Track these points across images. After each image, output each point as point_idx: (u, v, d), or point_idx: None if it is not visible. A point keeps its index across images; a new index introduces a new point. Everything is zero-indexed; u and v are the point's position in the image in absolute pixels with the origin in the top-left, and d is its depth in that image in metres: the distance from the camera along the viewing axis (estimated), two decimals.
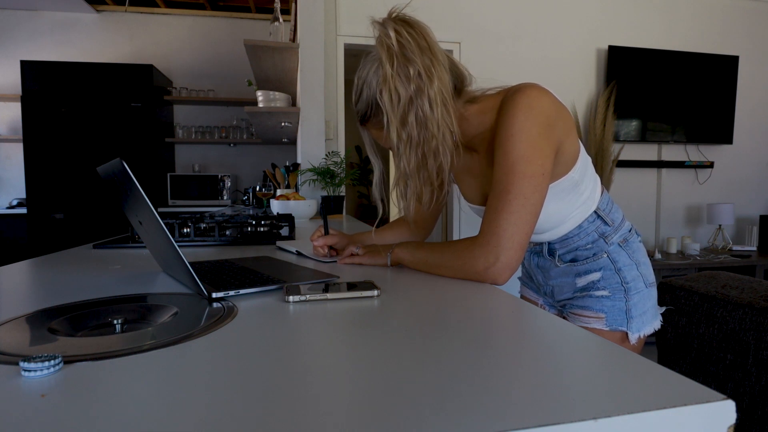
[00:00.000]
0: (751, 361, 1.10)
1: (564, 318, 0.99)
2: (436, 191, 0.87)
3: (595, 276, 0.93)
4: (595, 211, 0.93)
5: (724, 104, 3.70)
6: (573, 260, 0.95)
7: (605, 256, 0.92)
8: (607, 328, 0.91)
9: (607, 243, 0.92)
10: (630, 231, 0.96)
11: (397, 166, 0.82)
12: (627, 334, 0.90)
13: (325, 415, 0.31)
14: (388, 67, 0.76)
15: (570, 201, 0.89)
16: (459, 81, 0.85)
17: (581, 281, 0.95)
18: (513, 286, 1.00)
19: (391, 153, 0.88)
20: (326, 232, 1.04)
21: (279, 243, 1.23)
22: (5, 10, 4.19)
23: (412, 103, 0.76)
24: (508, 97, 0.78)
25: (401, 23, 0.78)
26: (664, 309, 1.01)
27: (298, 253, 1.08)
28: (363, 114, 0.85)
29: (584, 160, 0.89)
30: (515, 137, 0.75)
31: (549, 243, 0.98)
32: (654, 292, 0.96)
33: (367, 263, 0.92)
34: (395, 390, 0.35)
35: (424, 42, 0.77)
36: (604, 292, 0.92)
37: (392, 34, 0.76)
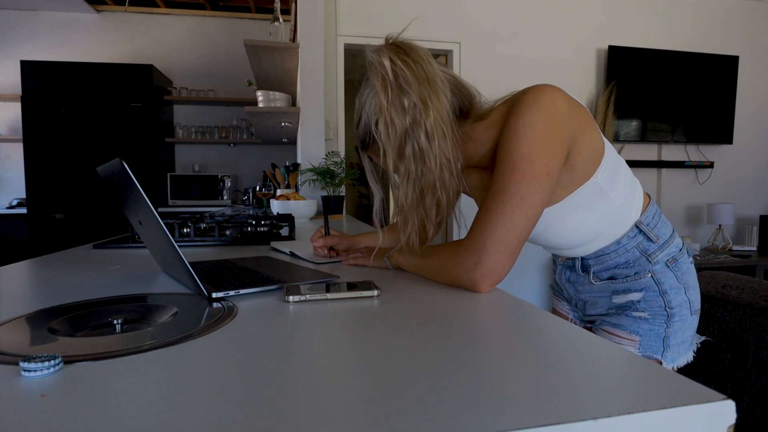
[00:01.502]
0: (751, 361, 1.10)
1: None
2: (435, 227, 0.80)
3: (635, 296, 0.84)
4: (636, 225, 0.83)
5: (724, 104, 3.70)
6: (611, 278, 0.87)
7: (649, 276, 0.83)
8: (639, 353, 0.82)
9: (650, 262, 0.83)
10: (680, 250, 0.86)
11: (395, 198, 0.78)
12: (660, 363, 0.83)
13: (325, 415, 0.31)
14: (383, 98, 0.71)
15: (599, 211, 0.81)
16: (466, 101, 0.80)
17: (618, 299, 0.86)
18: (543, 295, 0.97)
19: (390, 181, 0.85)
20: (327, 233, 1.03)
21: (273, 243, 1.23)
22: (5, 10, 4.19)
23: (408, 136, 0.71)
24: (516, 100, 0.74)
25: (397, 51, 0.73)
26: (702, 339, 0.92)
27: (292, 254, 1.07)
28: (362, 140, 0.81)
29: (612, 164, 0.80)
30: (519, 134, 0.69)
31: (582, 258, 0.90)
32: (696, 321, 0.87)
33: (369, 265, 0.91)
34: (395, 390, 0.35)
35: (421, 71, 0.72)
36: (644, 314, 0.83)
37: (387, 63, 0.72)
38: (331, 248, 1.03)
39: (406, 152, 0.72)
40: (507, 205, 0.68)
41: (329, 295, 0.64)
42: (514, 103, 0.74)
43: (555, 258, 1.03)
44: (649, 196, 0.89)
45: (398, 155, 0.73)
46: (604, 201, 0.80)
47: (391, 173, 0.76)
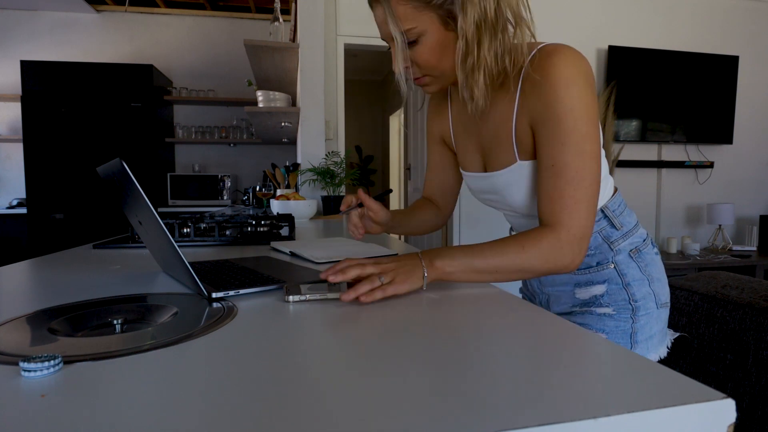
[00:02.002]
0: (751, 361, 1.10)
1: None
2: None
3: (598, 289, 0.83)
4: (601, 210, 0.83)
5: (724, 104, 3.70)
6: None
7: (612, 267, 0.82)
8: None
9: (612, 250, 0.82)
10: (644, 241, 0.86)
11: (471, 51, 0.70)
12: None
13: (325, 414, 0.31)
14: None
15: None
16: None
17: (582, 293, 0.85)
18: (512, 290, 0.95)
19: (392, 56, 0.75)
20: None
21: (274, 243, 1.22)
22: (5, 10, 4.19)
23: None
24: (545, 60, 0.70)
25: None
26: (677, 335, 0.91)
27: (292, 254, 1.06)
28: None
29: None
30: (575, 112, 0.68)
31: None
32: (665, 315, 0.86)
33: (401, 292, 0.63)
34: (394, 389, 0.35)
35: None
36: (608, 310, 0.82)
37: None
38: (360, 206, 0.95)
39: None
40: (589, 190, 0.69)
41: (329, 295, 0.63)
42: (546, 64, 0.70)
43: None
44: (617, 188, 0.89)
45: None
46: None
47: (469, 26, 0.68)
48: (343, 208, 0.96)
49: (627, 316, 0.81)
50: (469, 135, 0.88)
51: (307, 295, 0.63)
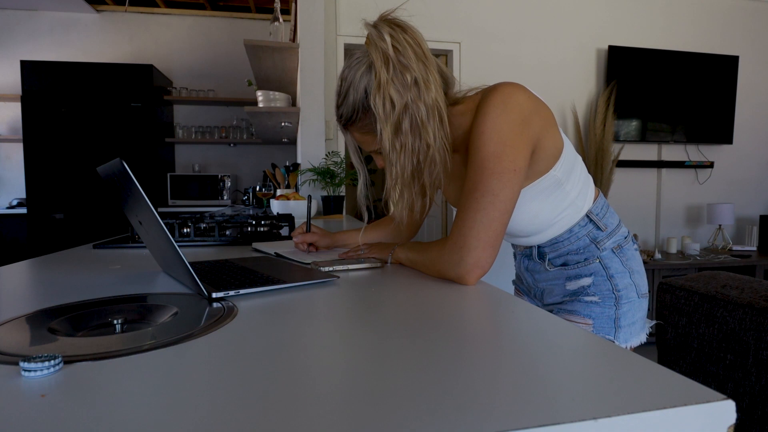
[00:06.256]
0: (751, 361, 1.10)
1: None
2: (427, 200, 0.85)
3: (585, 281, 0.90)
4: (587, 215, 0.90)
5: (724, 104, 3.70)
6: (564, 264, 0.93)
7: (597, 261, 0.89)
8: None
9: (599, 248, 0.89)
10: (626, 238, 0.93)
11: (389, 173, 0.80)
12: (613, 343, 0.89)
13: (324, 414, 0.31)
14: (384, 73, 0.73)
15: (555, 201, 0.86)
16: (446, 85, 0.83)
17: (571, 285, 0.92)
18: (508, 289, 0.99)
19: (374, 160, 0.87)
20: (308, 230, 1.05)
21: (255, 244, 1.20)
22: (5, 10, 4.18)
23: (407, 111, 0.74)
24: (484, 97, 0.77)
25: (396, 27, 0.75)
26: (653, 323, 0.98)
27: (277, 255, 1.05)
28: (348, 117, 0.82)
29: (570, 159, 0.86)
30: (486, 134, 0.73)
31: (539, 246, 0.95)
32: (645, 304, 0.93)
33: (372, 256, 0.94)
34: (393, 390, 0.35)
35: (419, 48, 0.76)
36: (594, 298, 0.89)
37: (387, 38, 0.74)
38: (310, 245, 1.05)
39: (404, 127, 0.75)
40: (480, 202, 0.72)
41: (351, 266, 0.82)
42: (483, 99, 0.77)
43: (514, 250, 1.08)
44: (598, 190, 0.95)
45: (395, 130, 0.76)
46: (561, 192, 0.86)
47: (387, 149, 0.77)
48: (298, 245, 1.06)
49: (611, 303, 0.89)
50: (454, 177, 0.94)
51: (335, 266, 0.81)
